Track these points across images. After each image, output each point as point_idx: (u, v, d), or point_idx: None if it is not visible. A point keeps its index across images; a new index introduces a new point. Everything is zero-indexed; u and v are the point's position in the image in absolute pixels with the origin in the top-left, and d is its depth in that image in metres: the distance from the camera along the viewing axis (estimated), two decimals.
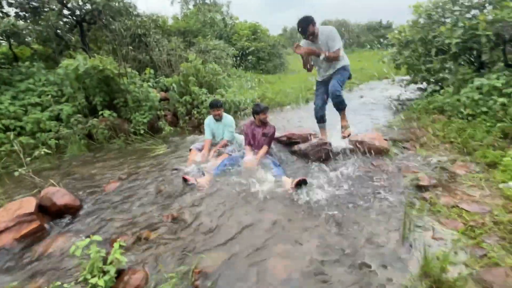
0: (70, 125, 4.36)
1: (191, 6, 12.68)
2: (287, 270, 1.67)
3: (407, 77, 5.91)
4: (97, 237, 1.65)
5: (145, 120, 4.67)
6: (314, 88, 3.57)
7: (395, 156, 3.20)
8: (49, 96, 4.65)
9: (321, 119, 3.52)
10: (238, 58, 11.57)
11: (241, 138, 3.72)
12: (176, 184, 2.89)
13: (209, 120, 3.65)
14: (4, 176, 3.28)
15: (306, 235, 1.99)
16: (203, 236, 2.02)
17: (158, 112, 4.93)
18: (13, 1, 6.44)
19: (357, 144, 3.39)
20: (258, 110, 3.17)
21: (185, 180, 2.79)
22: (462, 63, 4.47)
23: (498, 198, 2.17)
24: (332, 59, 3.10)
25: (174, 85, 5.16)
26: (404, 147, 3.43)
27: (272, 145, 3.48)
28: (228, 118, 3.66)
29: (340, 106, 3.27)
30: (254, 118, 3.30)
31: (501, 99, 3.31)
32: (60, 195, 2.43)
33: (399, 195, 2.42)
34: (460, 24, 4.28)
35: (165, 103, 5.42)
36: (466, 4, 4.73)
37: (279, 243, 1.91)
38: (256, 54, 12.79)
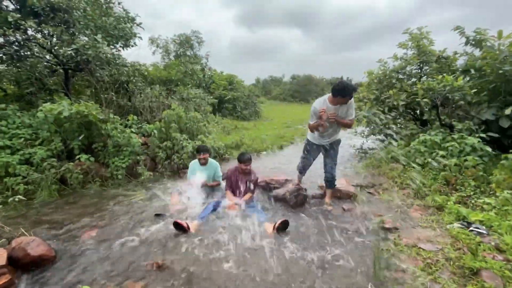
0: (42, 169, 4.20)
1: (172, 57, 13.60)
2: None
3: (367, 129, 6.78)
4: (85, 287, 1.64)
5: (124, 165, 4.66)
6: (305, 146, 3.61)
7: (362, 201, 3.58)
8: (22, 139, 4.52)
9: (303, 172, 3.79)
10: (216, 105, 12.25)
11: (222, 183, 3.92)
12: (158, 230, 2.90)
13: (194, 165, 3.84)
14: None
15: (286, 280, 2.12)
16: (190, 285, 2.04)
17: (138, 157, 4.97)
18: None
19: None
20: (241, 160, 3.44)
21: (177, 224, 2.78)
22: (409, 119, 5.36)
23: (447, 237, 2.55)
24: (345, 126, 3.21)
25: (155, 131, 5.33)
26: (369, 192, 3.86)
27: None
28: (214, 162, 3.89)
29: (332, 185, 3.52)
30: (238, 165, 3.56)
31: (441, 152, 4.00)
32: (35, 245, 2.32)
33: (368, 236, 2.71)
34: (404, 89, 5.27)
35: (144, 147, 5.49)
36: (407, 73, 5.89)
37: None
38: (232, 102, 13.67)
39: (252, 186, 3.48)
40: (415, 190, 3.68)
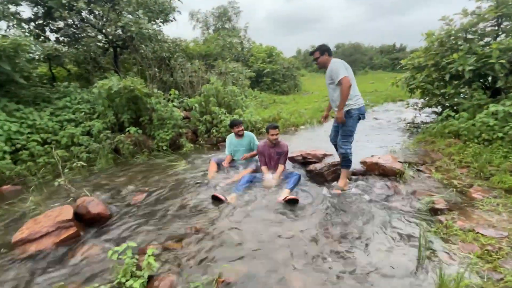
0: (100, 140, 4.72)
1: (211, 31, 13.53)
2: (305, 285, 1.76)
3: (422, 100, 5.99)
4: (132, 243, 1.82)
5: (168, 137, 4.97)
6: None
7: (410, 179, 3.25)
8: (83, 113, 5.08)
9: (336, 146, 3.42)
10: (254, 79, 12.07)
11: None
12: (198, 198, 3.07)
13: (230, 138, 3.90)
14: (42, 186, 3.57)
15: (322, 252, 2.07)
16: (225, 249, 2.14)
17: (180, 130, 5.24)
18: (55, 28, 7.22)
19: (372, 165, 3.49)
20: (268, 128, 3.39)
21: (215, 197, 2.92)
22: (477, 88, 4.53)
23: None
24: (341, 92, 2.84)
25: (196, 105, 5.49)
26: (418, 170, 3.47)
27: (289, 163, 3.66)
28: (250, 134, 3.93)
29: (344, 164, 3.12)
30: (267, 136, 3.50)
31: None
32: (94, 204, 2.65)
33: (414, 217, 2.48)
34: (473, 51, 4.42)
35: (186, 121, 5.75)
36: (480, 32, 4.89)
37: (298, 259, 2.00)
38: (271, 75, 13.29)
39: (283, 158, 3.43)
40: (478, 169, 3.19)
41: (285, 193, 2.94)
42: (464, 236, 2.10)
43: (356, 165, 3.65)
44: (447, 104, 5.09)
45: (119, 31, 5.72)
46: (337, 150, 3.36)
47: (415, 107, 6.14)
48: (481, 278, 1.70)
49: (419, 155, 3.92)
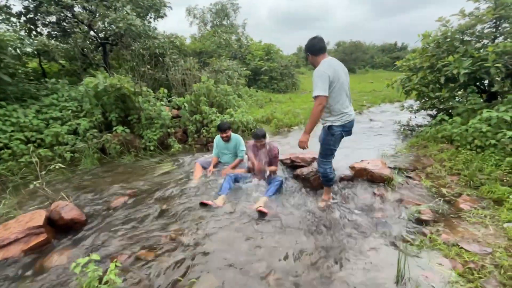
0: (86, 139, 4.61)
1: (208, 27, 13.34)
2: None
3: (417, 103, 5.88)
4: (95, 256, 1.73)
5: (155, 137, 4.87)
6: None
7: (399, 186, 3.16)
8: (70, 111, 4.97)
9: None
10: (252, 77, 11.93)
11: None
12: (179, 203, 2.98)
13: (218, 140, 3.80)
14: (21, 187, 3.48)
15: (302, 265, 1.99)
16: (199, 260, 2.05)
17: (169, 130, 5.13)
18: (46, 22, 7.09)
19: (360, 171, 3.39)
20: (254, 136, 3.25)
21: (203, 204, 2.82)
22: (472, 92, 4.42)
23: (502, 239, 2.09)
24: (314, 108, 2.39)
25: (185, 104, 5.38)
26: (408, 177, 3.38)
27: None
28: (237, 138, 3.80)
29: (325, 182, 2.85)
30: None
31: (510, 133, 3.24)
32: (68, 210, 2.56)
33: (398, 228, 2.39)
34: (469, 54, 4.30)
35: (176, 121, 5.64)
36: (477, 33, 4.77)
37: (273, 273, 1.92)
38: (268, 73, 13.14)
39: (275, 160, 3.34)
40: (468, 177, 3.10)
41: (261, 201, 2.84)
42: (447, 251, 2.02)
43: (344, 170, 3.56)
44: (441, 107, 4.99)
45: (108, 27, 5.58)
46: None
47: (410, 109, 6.03)
48: None
49: (410, 161, 3.83)
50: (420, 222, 2.43)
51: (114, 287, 1.71)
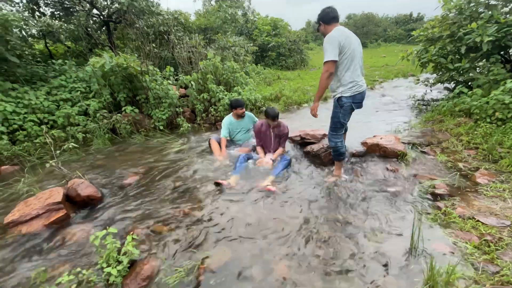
0: (96, 120, 4.66)
1: (213, 2, 12.79)
2: (290, 273, 1.71)
3: (434, 76, 5.59)
4: (112, 229, 1.79)
5: (164, 117, 4.86)
6: None
7: (412, 161, 3.08)
8: (79, 92, 4.98)
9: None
10: (259, 54, 11.56)
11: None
12: (190, 180, 3.02)
13: (229, 119, 3.75)
14: (38, 166, 3.59)
15: (311, 239, 2.00)
16: (211, 233, 2.10)
17: (177, 109, 5.10)
18: (49, 2, 6.93)
19: (372, 146, 3.32)
20: (269, 116, 3.16)
21: (217, 184, 2.83)
22: (495, 62, 4.13)
23: None
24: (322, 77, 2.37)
25: (192, 82, 5.29)
26: (423, 152, 3.29)
27: (287, 143, 3.55)
28: (249, 114, 3.84)
29: (336, 157, 2.79)
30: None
31: None
32: (84, 187, 2.64)
33: (411, 202, 2.35)
34: (495, 20, 3.97)
35: (184, 100, 5.59)
36: None
37: (284, 245, 1.95)
38: (276, 49, 12.69)
39: (283, 141, 3.29)
40: (487, 151, 2.98)
41: (268, 180, 2.84)
42: (462, 224, 1.98)
43: (356, 146, 3.50)
44: (460, 79, 4.72)
45: (110, 4, 5.40)
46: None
47: (426, 83, 5.75)
48: (475, 270, 1.60)
49: (425, 135, 3.71)
50: (434, 196, 2.38)
51: (131, 258, 1.77)
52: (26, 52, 5.34)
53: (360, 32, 28.30)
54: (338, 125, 2.61)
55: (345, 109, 2.49)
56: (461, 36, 4.31)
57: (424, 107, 5.42)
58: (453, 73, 4.76)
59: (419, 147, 3.40)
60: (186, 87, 5.63)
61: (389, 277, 1.63)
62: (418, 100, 5.89)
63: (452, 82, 5.15)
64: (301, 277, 1.66)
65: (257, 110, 5.75)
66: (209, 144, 3.77)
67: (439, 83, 5.33)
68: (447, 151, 3.23)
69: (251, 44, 9.30)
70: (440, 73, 5.20)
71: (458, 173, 2.68)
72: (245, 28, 12.23)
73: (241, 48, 7.90)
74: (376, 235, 1.98)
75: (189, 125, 5.07)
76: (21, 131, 4.12)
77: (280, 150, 3.35)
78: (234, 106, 3.65)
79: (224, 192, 2.72)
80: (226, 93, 5.42)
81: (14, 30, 5.07)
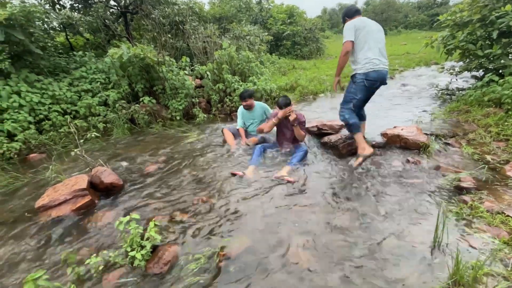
0: (116, 110, 4.79)
1: None
2: (309, 262, 1.71)
3: (460, 63, 5.27)
4: (136, 215, 1.85)
5: (180, 107, 4.92)
6: None
7: (436, 153, 2.96)
8: (98, 83, 5.12)
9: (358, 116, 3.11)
10: (273, 43, 11.35)
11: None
12: (208, 169, 3.06)
13: (242, 110, 3.75)
14: (64, 155, 3.76)
15: (330, 229, 1.99)
16: (230, 221, 2.14)
17: (193, 99, 5.14)
18: None
19: (393, 137, 3.21)
20: (279, 105, 3.11)
21: (233, 174, 2.85)
22: None
23: None
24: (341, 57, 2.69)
25: (208, 72, 5.29)
26: (447, 143, 3.15)
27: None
28: (262, 105, 3.75)
29: (348, 129, 2.94)
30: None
31: None
32: (107, 174, 2.74)
33: (434, 195, 2.27)
34: None
35: (199, 90, 5.62)
36: None
37: (303, 234, 1.95)
38: (291, 38, 12.41)
39: (302, 127, 3.25)
40: None
41: (284, 170, 2.83)
42: (490, 219, 1.90)
43: (376, 137, 3.40)
44: (490, 67, 4.43)
45: None
46: (360, 119, 3.06)
47: (452, 71, 5.44)
48: (504, 266, 1.53)
49: (450, 127, 3.54)
50: (460, 189, 2.28)
51: (154, 243, 1.84)
52: (49, 44, 5.51)
53: (379, 19, 27.03)
54: (348, 99, 2.86)
55: (357, 84, 2.72)
56: (493, 20, 4.02)
57: (448, 96, 5.16)
58: (483, 60, 4.47)
59: (442, 139, 3.26)
60: (201, 78, 5.64)
61: (411, 270, 1.59)
62: (442, 89, 5.60)
63: (481, 70, 4.84)
64: (320, 267, 1.66)
65: (272, 100, 5.69)
66: (222, 133, 3.82)
67: (466, 71, 5.03)
68: (473, 143, 3.07)
69: (266, 33, 9.12)
70: (468, 60, 4.89)
71: (486, 166, 2.55)
72: (259, 17, 12.00)
73: (256, 37, 7.78)
74: (397, 228, 1.94)
75: (205, 115, 5.11)
76: (46, 121, 4.31)
77: (303, 135, 3.28)
78: (240, 97, 3.68)
79: (241, 181, 2.74)
80: (241, 83, 5.39)
81: (37, 22, 5.23)
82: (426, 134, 3.31)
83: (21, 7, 4.07)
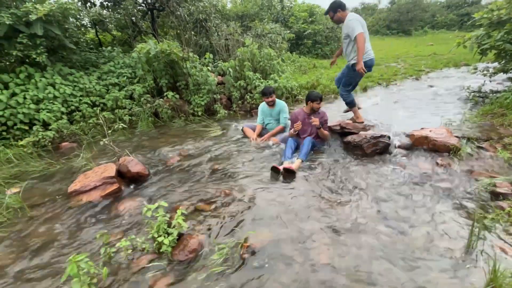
0: (141, 104, 4.95)
1: None
2: (333, 259, 1.69)
3: (495, 64, 4.97)
4: (163, 203, 1.91)
5: (203, 103, 5.00)
6: None
7: (467, 157, 2.82)
8: (125, 77, 5.31)
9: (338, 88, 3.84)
10: (294, 41, 11.26)
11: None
12: (230, 163, 3.10)
13: (262, 106, 3.77)
14: (92, 144, 3.94)
15: (355, 228, 1.95)
16: (252, 214, 2.15)
17: (215, 96, 5.21)
18: None
19: (420, 139, 3.09)
20: (312, 98, 3.13)
21: (275, 168, 2.80)
22: None
23: None
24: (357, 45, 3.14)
25: (230, 69, 5.33)
26: (479, 147, 2.98)
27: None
28: (281, 103, 3.72)
29: (346, 103, 3.77)
30: (307, 104, 3.28)
31: None
32: (134, 164, 2.84)
33: (467, 200, 2.17)
34: None
35: (221, 87, 5.69)
36: None
37: (327, 231, 1.92)
38: (312, 37, 12.24)
39: (325, 127, 3.23)
40: None
41: (296, 163, 2.86)
42: None
43: (402, 137, 3.29)
44: None
45: None
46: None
47: (485, 72, 5.14)
48: None
49: (483, 130, 3.36)
50: (495, 195, 2.16)
51: (180, 231, 1.88)
52: (81, 40, 5.78)
53: (404, 19, 26.11)
54: (348, 82, 3.53)
55: (356, 71, 3.25)
56: None
57: (480, 99, 4.88)
58: None
59: (475, 142, 3.09)
60: (223, 74, 5.70)
61: (442, 275, 1.53)
62: (474, 91, 5.31)
63: None
64: (344, 265, 1.64)
65: (292, 98, 5.66)
66: (243, 131, 3.91)
67: (502, 73, 4.74)
68: (510, 148, 2.89)
69: (288, 32, 9.07)
70: (504, 61, 4.61)
71: None
72: (281, 15, 11.93)
73: (277, 35, 7.75)
74: (428, 231, 1.87)
75: (226, 111, 5.17)
76: (77, 112, 4.54)
77: (326, 132, 3.33)
78: (262, 93, 3.72)
79: (262, 175, 2.75)
80: (262, 80, 5.40)
81: (71, 19, 5.51)
82: (457, 136, 3.16)
83: (59, 4, 4.30)
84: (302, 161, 2.95)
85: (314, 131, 3.31)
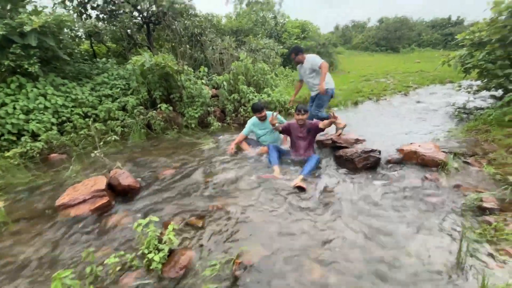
0: (133, 115, 4.93)
1: (244, 5, 13.02)
2: (324, 276, 1.68)
3: (478, 82, 5.22)
4: (154, 218, 1.88)
5: (196, 115, 5.02)
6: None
7: (454, 172, 2.90)
8: (119, 89, 5.31)
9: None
10: (287, 57, 11.54)
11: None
12: (222, 177, 3.08)
13: (254, 119, 3.81)
14: (83, 156, 3.88)
15: (346, 244, 1.96)
16: (245, 230, 2.13)
17: (209, 108, 5.25)
18: (95, 5, 7.48)
19: (409, 154, 3.17)
20: (254, 109, 3.49)
21: (260, 178, 2.91)
22: None
23: None
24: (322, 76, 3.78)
25: (224, 83, 5.41)
26: (466, 162, 3.08)
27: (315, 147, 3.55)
28: (270, 113, 3.82)
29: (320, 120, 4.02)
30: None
31: None
32: (125, 176, 2.80)
33: (455, 215, 2.22)
34: None
35: (215, 100, 5.74)
36: None
37: (318, 247, 1.92)
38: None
39: (318, 132, 3.36)
40: None
41: (298, 179, 2.83)
42: None
43: (392, 152, 3.37)
44: (510, 87, 4.37)
45: (153, 7, 5.72)
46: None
47: (469, 89, 5.38)
48: None
49: (468, 145, 3.47)
50: (482, 210, 2.22)
51: (171, 247, 1.85)
52: (76, 51, 5.79)
53: (392, 37, 27.23)
54: (320, 106, 4.06)
55: (328, 95, 3.96)
56: None
57: (465, 115, 5.08)
58: (502, 80, 4.41)
59: (461, 157, 3.19)
60: (217, 88, 5.77)
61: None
62: (459, 108, 5.53)
63: (500, 90, 4.77)
64: (335, 282, 1.63)
65: (285, 112, 5.75)
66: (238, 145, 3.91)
67: (485, 90, 4.97)
68: (494, 163, 2.99)
69: (281, 47, 9.32)
70: (486, 79, 4.84)
71: (510, 187, 2.47)
72: (274, 31, 12.29)
73: (271, 50, 7.95)
74: (417, 246, 1.89)
75: (219, 124, 5.19)
76: (68, 123, 4.48)
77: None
78: (253, 110, 3.78)
79: (254, 188, 2.75)
80: (256, 94, 5.49)
81: (66, 30, 5.54)
82: (444, 151, 3.25)
83: (55, 16, 4.33)
84: (304, 178, 2.91)
85: (307, 145, 3.37)
